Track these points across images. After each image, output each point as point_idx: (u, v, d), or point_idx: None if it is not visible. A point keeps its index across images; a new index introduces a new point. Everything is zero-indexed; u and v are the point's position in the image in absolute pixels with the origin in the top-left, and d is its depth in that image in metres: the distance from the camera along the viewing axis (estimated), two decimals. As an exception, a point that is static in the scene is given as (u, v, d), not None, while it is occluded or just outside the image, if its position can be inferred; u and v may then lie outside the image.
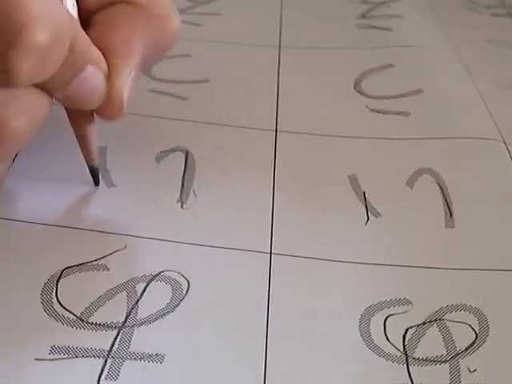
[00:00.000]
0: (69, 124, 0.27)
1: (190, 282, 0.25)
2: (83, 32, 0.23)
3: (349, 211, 0.29)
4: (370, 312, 0.24)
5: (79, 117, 0.27)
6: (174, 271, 0.25)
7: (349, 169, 0.31)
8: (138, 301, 0.24)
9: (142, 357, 0.22)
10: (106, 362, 0.22)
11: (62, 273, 0.25)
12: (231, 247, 0.26)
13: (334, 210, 0.29)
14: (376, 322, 0.24)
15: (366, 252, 0.27)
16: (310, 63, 0.39)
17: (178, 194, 0.29)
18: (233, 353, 0.23)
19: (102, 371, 0.22)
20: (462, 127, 0.34)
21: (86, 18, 0.26)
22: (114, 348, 0.22)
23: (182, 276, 0.25)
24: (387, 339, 0.24)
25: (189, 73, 0.36)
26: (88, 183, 0.28)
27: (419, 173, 0.31)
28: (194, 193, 0.29)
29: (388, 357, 0.23)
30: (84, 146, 0.28)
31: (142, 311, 0.24)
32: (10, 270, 0.24)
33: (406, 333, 0.24)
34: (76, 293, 0.24)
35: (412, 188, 0.30)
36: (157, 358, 0.22)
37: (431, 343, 0.24)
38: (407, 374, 0.23)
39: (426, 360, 0.23)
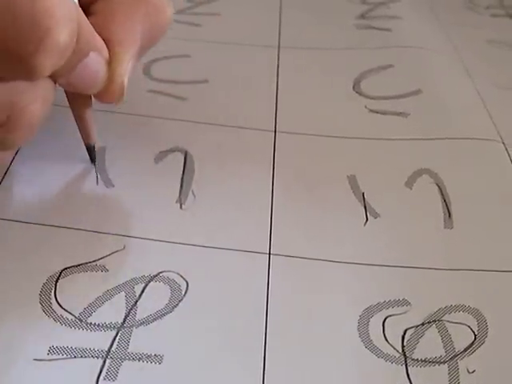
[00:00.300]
0: (65, 122, 0.28)
1: (189, 282, 0.25)
2: (87, 20, 0.23)
3: (348, 212, 0.29)
4: (368, 313, 0.24)
5: (79, 100, 0.28)
6: (173, 272, 0.25)
7: (348, 169, 0.31)
8: (136, 301, 0.24)
9: (140, 357, 0.22)
10: (104, 362, 0.22)
11: (60, 273, 0.25)
12: (230, 248, 0.26)
13: (333, 210, 0.29)
14: (375, 323, 0.24)
15: (365, 252, 0.27)
16: (309, 63, 0.39)
17: (177, 194, 0.28)
18: (231, 353, 0.23)
19: (100, 371, 0.22)
20: (461, 128, 0.34)
21: (85, 7, 0.26)
22: (113, 348, 0.22)
23: (181, 277, 0.25)
24: (386, 340, 0.24)
25: (188, 73, 0.36)
26: (86, 183, 0.28)
27: (418, 173, 0.31)
28: (192, 193, 0.29)
29: (387, 358, 0.23)
30: (82, 126, 0.29)
31: (141, 312, 0.24)
32: (8, 271, 0.24)
33: (404, 333, 0.24)
34: (75, 293, 0.24)
35: (411, 188, 0.30)
36: (155, 358, 0.22)
37: (430, 344, 0.24)
38: (406, 375, 0.23)
39: (425, 361, 0.23)
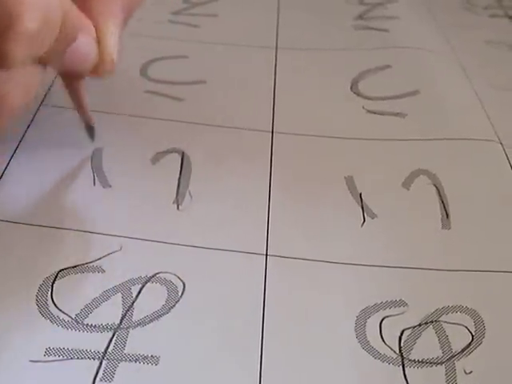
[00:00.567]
0: (62, 123, 0.29)
1: (186, 283, 0.25)
2: (72, 5, 0.23)
3: (345, 212, 0.28)
4: (365, 313, 0.24)
5: (71, 77, 0.28)
6: (170, 273, 0.25)
7: (345, 170, 0.31)
8: (133, 302, 0.24)
9: (137, 358, 0.22)
10: (101, 363, 0.22)
11: (57, 275, 0.24)
12: (227, 249, 0.26)
13: (330, 211, 0.29)
14: (372, 324, 0.24)
15: (362, 253, 0.27)
16: (307, 64, 0.39)
17: (174, 195, 0.28)
18: (228, 354, 0.23)
19: (97, 373, 0.22)
20: (458, 128, 0.34)
21: None
22: (110, 349, 0.22)
23: (178, 278, 0.25)
24: (383, 341, 0.24)
25: (185, 74, 0.36)
26: (83, 184, 0.28)
27: (416, 174, 0.31)
28: (189, 194, 0.29)
29: (384, 358, 0.23)
30: (78, 105, 0.29)
31: (138, 313, 0.24)
32: (4, 272, 0.24)
33: (401, 334, 0.24)
34: (71, 294, 0.24)
35: (408, 189, 0.30)
36: (152, 359, 0.22)
37: (427, 345, 0.23)
38: (403, 376, 0.22)
39: (422, 362, 0.23)
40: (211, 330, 0.23)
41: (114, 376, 0.22)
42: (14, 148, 0.30)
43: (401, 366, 0.23)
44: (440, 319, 0.24)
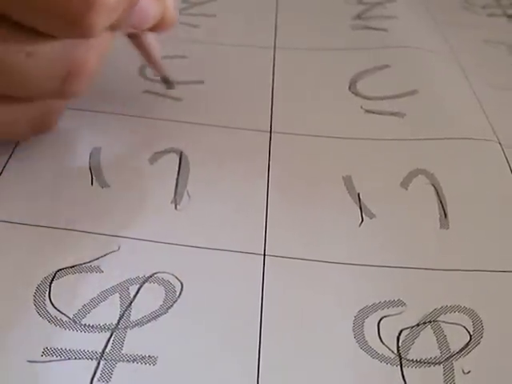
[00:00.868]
0: (61, 122, 0.29)
1: (184, 283, 0.25)
2: None
3: (343, 212, 0.28)
4: (363, 313, 0.24)
5: (137, 36, 0.31)
6: (168, 273, 0.25)
7: (343, 170, 0.31)
8: (131, 302, 0.24)
9: (134, 359, 0.22)
10: (98, 363, 0.22)
11: (55, 274, 0.24)
12: (225, 249, 0.26)
13: (329, 211, 0.28)
14: (370, 324, 0.24)
15: (360, 253, 0.27)
16: (305, 64, 0.39)
17: (172, 195, 0.28)
18: (226, 355, 0.23)
19: (94, 373, 0.22)
20: (457, 128, 0.34)
21: None
22: (107, 350, 0.22)
23: (176, 278, 0.25)
24: (381, 341, 0.23)
25: (184, 74, 0.36)
26: (81, 184, 0.28)
27: (414, 174, 0.31)
28: (187, 194, 0.29)
29: (382, 358, 0.23)
30: (149, 60, 0.32)
31: (135, 313, 0.24)
32: (2, 273, 0.24)
33: (399, 334, 0.24)
34: (69, 295, 0.24)
35: (406, 189, 0.30)
36: (150, 360, 0.22)
37: (425, 345, 0.23)
38: (401, 376, 0.22)
39: (420, 361, 0.23)
40: (209, 330, 0.23)
41: (112, 376, 0.22)
42: (12, 148, 0.30)
43: (399, 366, 0.23)
44: (438, 319, 0.24)
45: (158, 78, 0.34)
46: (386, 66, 0.39)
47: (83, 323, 0.23)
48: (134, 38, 0.31)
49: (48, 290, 0.24)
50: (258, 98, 0.35)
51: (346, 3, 0.46)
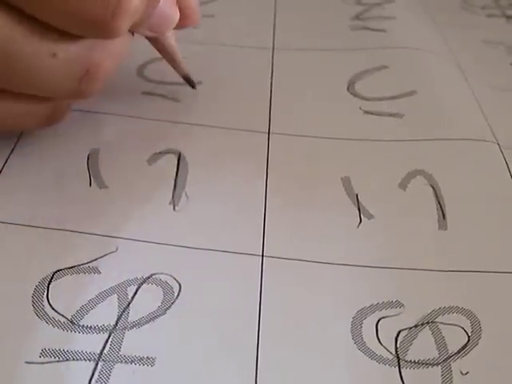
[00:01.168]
0: (60, 124, 0.29)
1: (182, 284, 0.25)
2: None
3: (341, 213, 0.28)
4: (362, 314, 0.24)
5: (157, 38, 0.31)
6: (166, 274, 0.25)
7: (342, 171, 0.31)
8: (129, 304, 0.24)
9: (132, 360, 0.22)
10: (96, 365, 0.22)
11: (53, 276, 0.24)
12: (223, 249, 0.26)
13: (327, 211, 0.28)
14: (368, 325, 0.24)
15: (359, 254, 0.27)
16: (304, 65, 0.39)
17: (170, 196, 0.28)
18: (224, 356, 0.23)
19: (92, 374, 0.22)
20: (455, 129, 0.34)
21: None
22: (105, 351, 0.22)
23: (174, 279, 0.25)
24: (379, 342, 0.23)
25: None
26: (79, 185, 0.28)
27: (412, 174, 0.31)
28: (186, 195, 0.29)
29: (380, 359, 0.23)
30: (170, 60, 0.33)
31: (133, 314, 0.24)
32: (0, 273, 0.24)
33: (398, 335, 0.24)
34: (67, 296, 0.24)
35: (405, 190, 0.30)
36: (148, 361, 0.22)
37: (423, 346, 0.23)
38: (399, 377, 0.22)
39: (418, 363, 0.23)
40: (207, 331, 0.23)
41: (110, 377, 0.22)
42: (10, 149, 0.30)
43: (397, 367, 0.23)
44: (436, 320, 0.24)
45: (181, 78, 0.34)
46: (385, 67, 0.39)
47: (81, 324, 0.23)
48: (155, 40, 0.31)
49: (46, 291, 0.24)
50: (256, 99, 0.35)
51: (344, 4, 0.46)
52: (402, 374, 0.23)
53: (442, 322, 0.24)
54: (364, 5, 0.46)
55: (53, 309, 0.23)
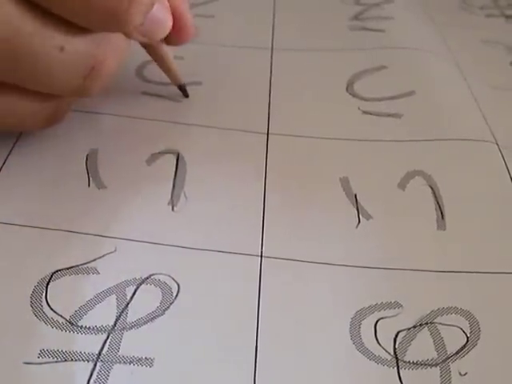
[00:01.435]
0: (57, 125, 0.29)
1: (180, 285, 0.25)
2: None
3: (340, 213, 0.28)
4: (360, 315, 0.24)
5: (154, 46, 0.32)
6: (164, 274, 0.25)
7: (340, 171, 0.30)
8: (127, 304, 0.24)
9: (131, 360, 0.22)
10: (95, 365, 0.22)
11: (51, 276, 0.24)
12: (222, 250, 0.26)
13: (325, 212, 0.28)
14: (367, 325, 0.24)
15: (357, 254, 0.27)
16: (303, 65, 0.39)
17: (169, 196, 0.28)
18: (223, 356, 0.23)
19: (91, 375, 0.22)
20: (454, 129, 0.34)
21: None
22: (104, 351, 0.22)
23: (172, 279, 0.25)
24: (378, 342, 0.23)
25: (181, 75, 0.36)
26: (78, 185, 0.28)
27: (411, 175, 0.31)
28: (184, 195, 0.28)
29: (378, 360, 0.23)
30: (165, 69, 0.33)
31: (132, 314, 0.24)
32: (-1, 273, 0.24)
33: (396, 336, 0.24)
34: (66, 296, 0.24)
35: (404, 190, 0.30)
36: (146, 361, 0.22)
37: (422, 346, 0.23)
38: (398, 378, 0.22)
39: (417, 363, 0.23)
40: (206, 332, 0.23)
41: (109, 378, 0.22)
42: (9, 149, 0.30)
43: (395, 368, 0.23)
44: (435, 321, 0.24)
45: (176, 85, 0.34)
46: (384, 67, 0.39)
47: (80, 325, 0.23)
48: (149, 47, 0.32)
49: (45, 291, 0.24)
50: (255, 100, 0.35)
51: (343, 4, 0.46)
52: (401, 374, 0.23)
53: (440, 323, 0.24)
54: (363, 5, 0.46)
55: (51, 309, 0.23)
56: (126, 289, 0.24)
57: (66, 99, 0.28)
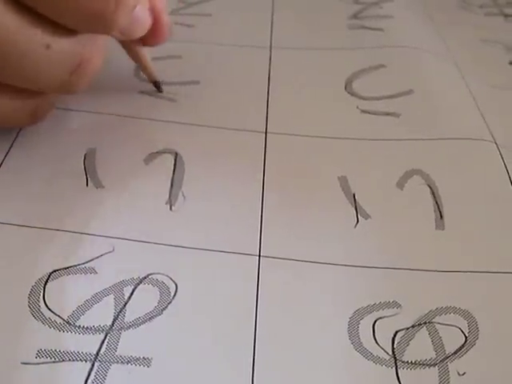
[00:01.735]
0: (56, 123, 0.30)
1: (178, 284, 0.25)
2: None
3: (338, 213, 0.28)
4: (358, 315, 0.24)
5: (131, 44, 0.32)
6: (162, 274, 0.25)
7: (339, 170, 0.30)
8: (125, 304, 0.24)
9: (129, 360, 0.22)
10: (93, 365, 0.22)
11: (49, 276, 0.24)
12: (220, 249, 0.26)
13: (324, 211, 0.28)
14: (365, 325, 0.24)
15: (356, 254, 0.27)
16: (301, 64, 0.39)
17: (167, 195, 0.28)
18: (221, 356, 0.23)
19: (88, 375, 0.22)
20: (453, 128, 0.34)
21: None
22: (101, 351, 0.22)
23: (170, 279, 0.25)
24: (376, 342, 0.23)
25: (179, 74, 0.36)
26: (76, 185, 0.28)
27: (409, 174, 0.30)
28: (182, 195, 0.28)
29: (377, 360, 0.23)
30: (141, 66, 0.34)
31: (130, 314, 0.23)
32: (-4, 273, 0.24)
33: (395, 336, 0.24)
34: (63, 296, 0.24)
35: (402, 189, 0.30)
36: (144, 361, 0.22)
37: (420, 346, 0.23)
38: (396, 378, 0.22)
39: (415, 363, 0.23)
40: (204, 331, 0.23)
41: (106, 378, 0.21)
42: (7, 149, 0.30)
43: (394, 368, 0.23)
44: (433, 320, 0.24)
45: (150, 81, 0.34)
46: (382, 66, 0.39)
47: (77, 325, 0.23)
48: (126, 45, 0.32)
49: (42, 291, 0.24)
50: (253, 99, 0.35)
51: (342, 3, 0.46)
52: (399, 374, 0.23)
53: (439, 323, 0.24)
54: (362, 4, 0.46)
55: (49, 309, 0.23)
56: (124, 289, 0.24)
57: (48, 96, 0.29)
